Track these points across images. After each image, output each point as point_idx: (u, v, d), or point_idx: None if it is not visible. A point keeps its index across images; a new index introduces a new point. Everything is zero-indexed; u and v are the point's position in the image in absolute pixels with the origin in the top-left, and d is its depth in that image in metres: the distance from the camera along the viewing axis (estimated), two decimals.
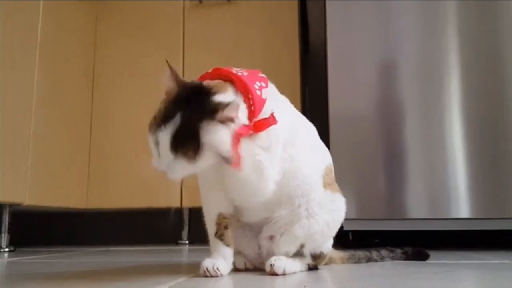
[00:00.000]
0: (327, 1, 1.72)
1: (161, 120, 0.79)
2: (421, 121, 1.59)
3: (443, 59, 1.61)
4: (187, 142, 0.77)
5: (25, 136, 1.75)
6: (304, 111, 2.16)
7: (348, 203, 0.97)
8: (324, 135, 1.02)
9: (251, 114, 0.82)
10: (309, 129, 0.99)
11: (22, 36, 1.76)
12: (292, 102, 0.98)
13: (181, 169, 0.79)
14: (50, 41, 1.91)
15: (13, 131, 1.68)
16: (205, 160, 0.79)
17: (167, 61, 0.85)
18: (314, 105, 2.25)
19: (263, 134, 0.83)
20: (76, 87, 2.12)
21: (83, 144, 2.15)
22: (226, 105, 0.77)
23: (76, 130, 2.10)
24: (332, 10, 1.71)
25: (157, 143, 0.79)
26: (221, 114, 0.77)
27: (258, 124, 0.83)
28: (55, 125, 1.93)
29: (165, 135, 0.77)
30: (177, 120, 0.77)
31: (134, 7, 2.28)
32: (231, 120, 0.78)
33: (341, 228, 0.98)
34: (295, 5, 2.16)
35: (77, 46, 2.15)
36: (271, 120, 0.84)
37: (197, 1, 2.20)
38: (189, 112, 0.78)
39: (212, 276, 0.84)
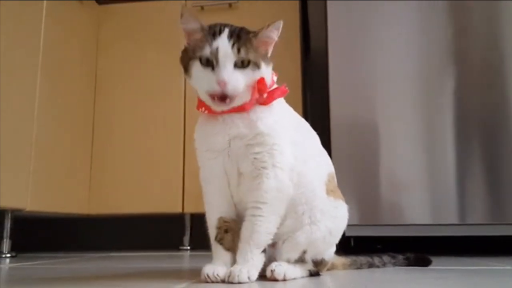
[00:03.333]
0: (328, 1, 1.72)
1: (211, 34, 0.84)
2: (423, 126, 1.59)
3: (445, 63, 1.61)
4: (247, 39, 0.85)
5: (27, 141, 1.75)
6: (306, 117, 2.16)
7: (350, 209, 0.97)
8: (326, 141, 1.03)
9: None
10: (313, 135, 1.00)
11: (25, 40, 1.77)
12: (294, 107, 0.99)
13: (241, 75, 0.83)
14: (53, 45, 1.92)
15: (15, 137, 1.68)
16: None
17: (182, 7, 0.89)
18: (316, 110, 2.25)
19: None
20: (78, 92, 2.13)
21: (85, 150, 2.16)
22: (269, 25, 0.86)
23: (78, 135, 2.11)
24: (333, 12, 1.71)
25: (215, 51, 0.82)
26: (265, 31, 0.86)
27: (271, 93, 0.89)
28: (57, 131, 1.94)
29: (224, 38, 0.83)
30: (230, 29, 0.85)
31: (136, 11, 2.29)
32: (272, 40, 0.88)
33: (343, 234, 0.97)
34: (296, 8, 2.16)
35: (79, 50, 2.15)
36: (282, 90, 0.90)
37: (199, 6, 2.21)
38: (236, 28, 0.86)
39: (212, 282, 0.84)
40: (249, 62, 0.84)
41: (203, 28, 0.86)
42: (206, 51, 0.83)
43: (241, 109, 0.86)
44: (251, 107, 0.87)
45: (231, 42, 0.83)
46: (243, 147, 0.86)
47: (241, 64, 0.83)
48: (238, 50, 0.83)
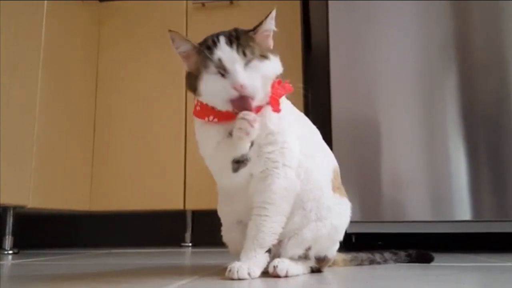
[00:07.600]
0: (329, 1, 1.72)
1: (207, 48, 0.82)
2: (424, 123, 1.58)
3: (446, 61, 1.61)
4: (248, 38, 0.83)
5: (29, 138, 1.75)
6: (307, 114, 2.16)
7: (351, 206, 0.97)
8: (327, 138, 1.02)
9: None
10: (315, 130, 1.00)
11: (26, 39, 1.77)
12: (295, 104, 0.98)
13: (255, 68, 0.81)
14: (54, 43, 1.92)
15: (17, 134, 1.69)
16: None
17: (169, 30, 0.87)
18: (317, 107, 2.25)
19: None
20: (79, 90, 2.13)
21: (87, 147, 2.16)
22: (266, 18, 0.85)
23: (79, 132, 2.11)
24: (334, 11, 1.71)
25: (219, 62, 0.80)
26: (264, 24, 0.85)
27: (278, 90, 0.87)
28: (58, 128, 1.94)
29: (223, 46, 0.81)
30: (225, 36, 0.82)
31: (137, 9, 2.29)
32: (271, 32, 0.87)
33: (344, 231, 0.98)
34: (297, 6, 2.16)
35: (80, 48, 2.16)
36: (287, 88, 0.88)
37: (200, 3, 2.21)
38: (231, 32, 0.84)
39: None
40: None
41: (195, 47, 0.84)
42: (211, 68, 0.81)
43: (258, 109, 0.84)
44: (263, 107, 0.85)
45: (234, 47, 0.81)
46: (256, 146, 0.85)
47: (248, 62, 0.81)
48: (244, 53, 0.81)
